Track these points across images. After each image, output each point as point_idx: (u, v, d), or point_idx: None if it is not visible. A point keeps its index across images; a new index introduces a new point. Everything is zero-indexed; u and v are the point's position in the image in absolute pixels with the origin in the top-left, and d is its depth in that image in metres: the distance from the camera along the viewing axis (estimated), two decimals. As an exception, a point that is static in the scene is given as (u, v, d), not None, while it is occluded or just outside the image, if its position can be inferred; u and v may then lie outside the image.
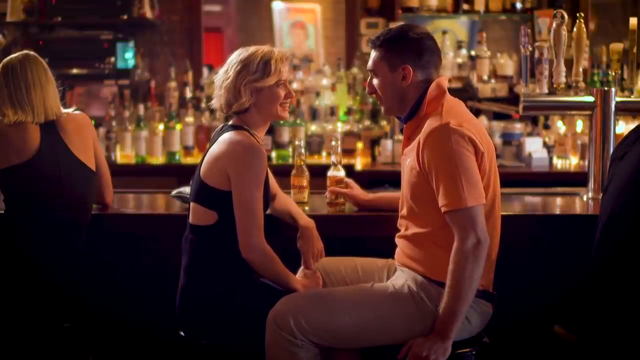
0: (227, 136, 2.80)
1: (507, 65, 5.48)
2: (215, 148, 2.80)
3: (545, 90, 3.46)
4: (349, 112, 5.33)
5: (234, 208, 2.72)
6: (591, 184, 3.47)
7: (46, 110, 3.03)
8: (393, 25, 3.09)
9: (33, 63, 3.06)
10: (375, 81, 2.78)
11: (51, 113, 3.04)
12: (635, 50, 3.48)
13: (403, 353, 2.58)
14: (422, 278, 2.66)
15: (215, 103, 2.88)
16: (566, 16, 3.40)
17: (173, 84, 5.46)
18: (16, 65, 3.04)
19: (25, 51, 3.14)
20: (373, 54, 2.76)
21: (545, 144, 5.06)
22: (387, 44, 2.73)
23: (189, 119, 5.24)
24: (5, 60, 3.09)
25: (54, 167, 2.98)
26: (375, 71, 2.76)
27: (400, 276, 2.75)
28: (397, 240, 2.81)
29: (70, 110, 3.14)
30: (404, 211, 2.76)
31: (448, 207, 2.55)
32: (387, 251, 2.86)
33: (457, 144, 2.56)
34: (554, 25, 3.39)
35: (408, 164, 2.71)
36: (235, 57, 2.83)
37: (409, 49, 2.71)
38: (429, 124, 2.63)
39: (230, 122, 2.87)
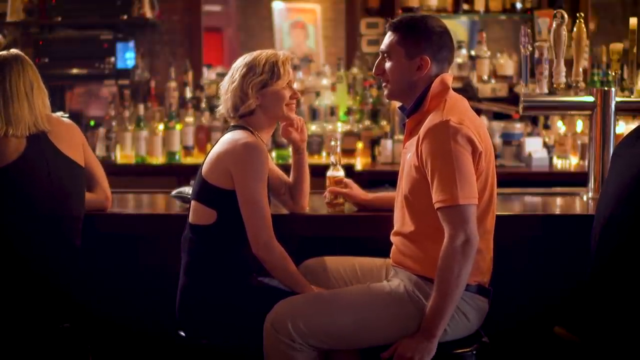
0: (228, 136, 2.83)
1: (507, 65, 5.47)
2: (217, 148, 2.82)
3: (545, 90, 3.45)
4: (348, 112, 5.33)
5: (240, 206, 2.73)
6: (591, 184, 3.47)
7: (35, 120, 2.93)
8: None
9: (22, 65, 2.95)
10: (387, 64, 2.72)
11: (40, 123, 2.95)
12: (635, 50, 3.48)
13: (389, 354, 2.58)
14: (417, 277, 2.65)
15: (221, 109, 2.91)
16: (566, 16, 3.39)
17: (173, 84, 5.46)
18: (4, 65, 2.93)
19: (13, 51, 3.02)
20: (390, 36, 2.71)
21: (545, 144, 5.06)
22: (408, 30, 2.69)
23: (189, 119, 5.25)
24: None
25: (41, 166, 2.92)
26: (390, 54, 2.71)
27: (395, 276, 2.75)
28: (393, 238, 2.79)
29: (58, 114, 3.10)
30: (400, 207, 2.75)
31: (440, 204, 2.54)
32: (387, 251, 2.85)
33: (456, 142, 2.55)
34: (554, 25, 3.39)
35: (409, 158, 2.70)
36: (240, 62, 2.86)
37: (430, 40, 2.67)
38: (430, 120, 2.63)
39: (233, 124, 2.89)
